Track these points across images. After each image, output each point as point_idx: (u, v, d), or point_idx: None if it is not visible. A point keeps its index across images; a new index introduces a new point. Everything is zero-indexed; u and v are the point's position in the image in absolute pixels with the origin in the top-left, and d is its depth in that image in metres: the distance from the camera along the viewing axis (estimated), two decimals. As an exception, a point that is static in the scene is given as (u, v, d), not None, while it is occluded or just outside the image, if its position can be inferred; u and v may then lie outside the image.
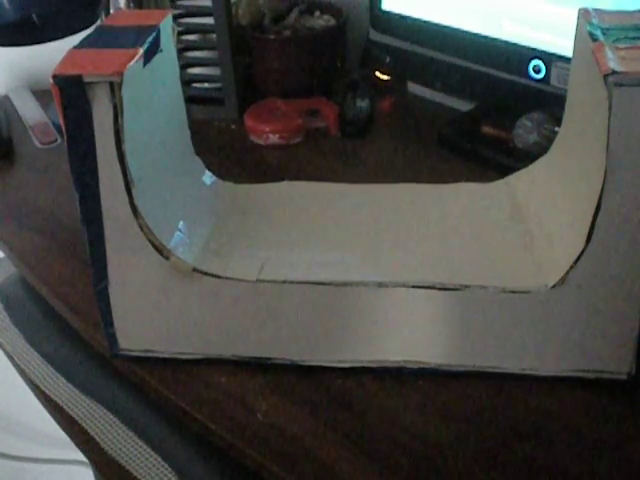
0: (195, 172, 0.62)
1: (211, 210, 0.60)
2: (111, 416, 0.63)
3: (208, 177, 0.62)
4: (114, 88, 0.45)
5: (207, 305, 0.52)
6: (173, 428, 0.61)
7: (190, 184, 0.59)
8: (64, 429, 0.65)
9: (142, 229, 0.49)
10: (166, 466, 0.59)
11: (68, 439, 0.64)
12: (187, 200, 0.57)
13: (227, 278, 0.51)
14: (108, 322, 0.53)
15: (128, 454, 0.60)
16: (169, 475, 0.58)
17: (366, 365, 0.52)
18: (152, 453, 0.60)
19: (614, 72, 0.41)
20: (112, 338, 0.54)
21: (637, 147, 0.43)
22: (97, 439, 0.62)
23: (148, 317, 0.53)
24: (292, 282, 0.50)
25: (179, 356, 0.54)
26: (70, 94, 0.45)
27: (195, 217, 0.57)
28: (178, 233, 0.53)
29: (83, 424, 0.63)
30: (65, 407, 0.64)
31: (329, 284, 0.50)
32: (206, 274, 0.51)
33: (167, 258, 0.50)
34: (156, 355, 0.54)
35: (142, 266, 0.50)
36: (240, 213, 0.61)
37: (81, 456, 0.63)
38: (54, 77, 0.44)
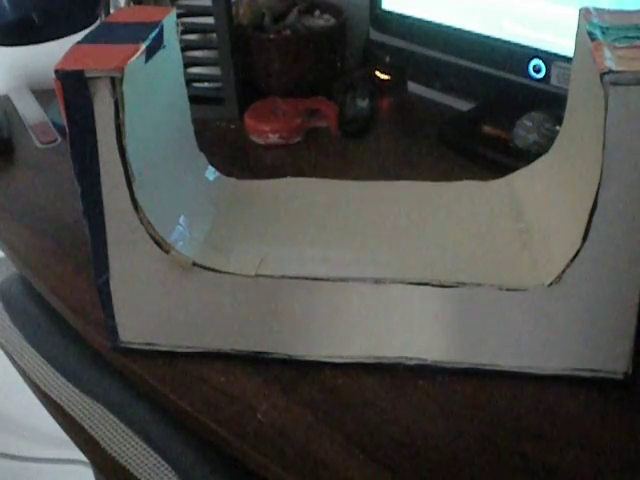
0: (198, 168, 0.62)
1: (212, 205, 0.60)
2: (111, 416, 0.63)
3: (211, 173, 0.62)
4: (115, 83, 0.45)
5: (206, 299, 0.52)
6: (173, 428, 0.61)
7: (192, 179, 0.59)
8: (64, 429, 0.65)
9: (143, 223, 0.49)
10: (166, 466, 0.59)
11: (68, 439, 0.64)
12: (188, 195, 0.57)
13: (226, 273, 0.51)
14: (109, 315, 0.54)
15: (128, 454, 0.60)
16: (169, 475, 0.58)
17: (364, 361, 0.52)
18: (152, 453, 0.60)
19: (610, 71, 0.41)
20: (113, 330, 0.54)
21: (633, 146, 0.43)
22: (97, 439, 0.61)
23: (148, 310, 0.53)
24: (291, 277, 0.51)
25: (179, 349, 0.54)
26: (72, 89, 0.45)
27: (196, 212, 0.57)
28: (179, 227, 0.53)
29: (83, 424, 0.63)
30: (65, 407, 0.64)
31: (327, 280, 0.50)
32: (206, 268, 0.51)
33: (167, 252, 0.50)
34: (156, 348, 0.54)
35: (143, 260, 0.51)
36: (241, 208, 0.61)
37: (81, 456, 0.63)
38: (56, 72, 0.45)
